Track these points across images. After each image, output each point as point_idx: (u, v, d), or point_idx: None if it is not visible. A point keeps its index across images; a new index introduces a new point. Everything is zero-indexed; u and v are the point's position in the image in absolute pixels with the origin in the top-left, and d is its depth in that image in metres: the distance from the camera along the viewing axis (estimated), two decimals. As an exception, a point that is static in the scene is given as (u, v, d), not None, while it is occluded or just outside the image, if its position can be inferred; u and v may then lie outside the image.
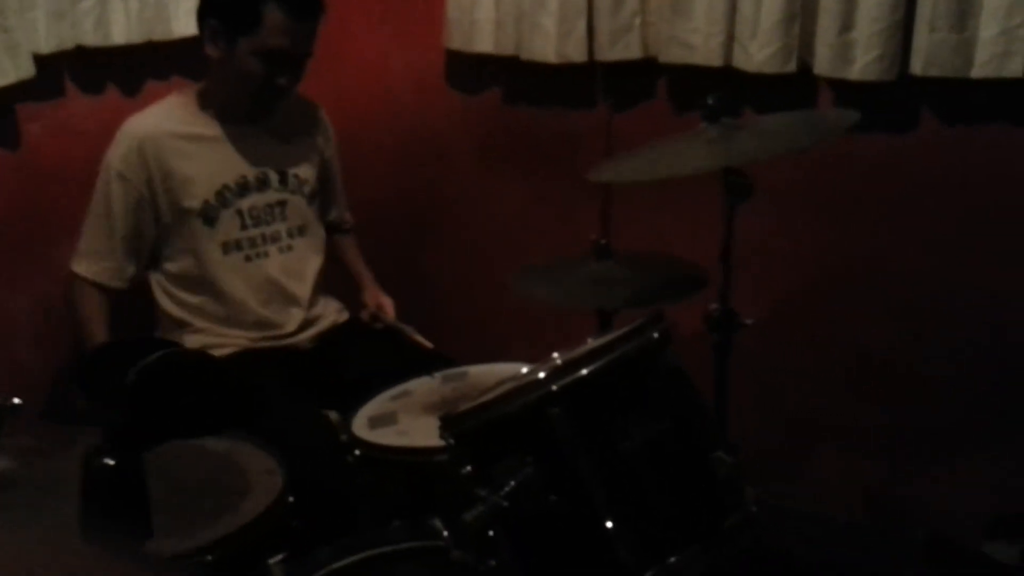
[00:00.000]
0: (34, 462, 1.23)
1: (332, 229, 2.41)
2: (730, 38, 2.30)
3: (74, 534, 0.94)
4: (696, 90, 1.93)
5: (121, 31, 2.19)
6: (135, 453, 0.90)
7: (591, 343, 1.48)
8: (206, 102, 2.11)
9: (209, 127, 2.11)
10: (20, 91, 2.04)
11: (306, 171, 2.24)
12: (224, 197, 2.11)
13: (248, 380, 1.99)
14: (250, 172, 2.15)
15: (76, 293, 2.11)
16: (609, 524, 1.35)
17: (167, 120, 2.08)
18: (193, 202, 2.08)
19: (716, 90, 1.80)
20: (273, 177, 2.18)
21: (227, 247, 2.13)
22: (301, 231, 2.23)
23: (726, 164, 1.69)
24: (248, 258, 2.15)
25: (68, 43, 2.12)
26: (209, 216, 2.10)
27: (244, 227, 2.14)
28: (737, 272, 1.80)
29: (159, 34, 2.24)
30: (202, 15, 2.07)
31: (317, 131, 2.31)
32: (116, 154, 2.05)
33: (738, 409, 1.87)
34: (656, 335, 1.46)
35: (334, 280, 2.35)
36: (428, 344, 2.19)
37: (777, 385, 2.44)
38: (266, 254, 2.17)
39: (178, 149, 2.07)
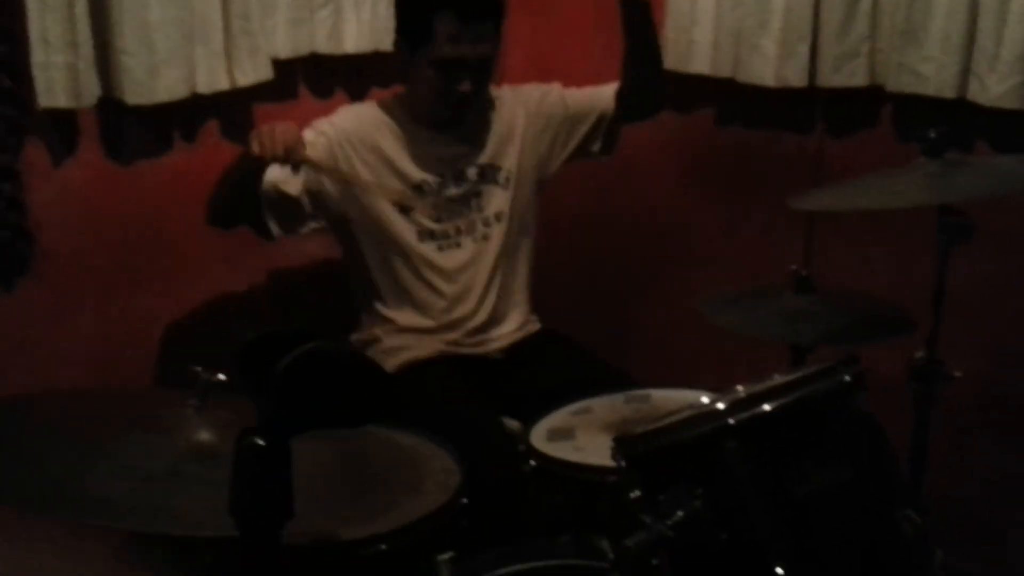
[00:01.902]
0: (232, 436, 1.33)
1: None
2: (965, 69, 2.15)
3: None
4: (923, 122, 1.82)
5: (352, 40, 2.33)
6: (283, 436, 0.96)
7: (777, 379, 1.43)
8: (405, 107, 2.19)
9: (409, 128, 2.18)
10: (258, 92, 2.20)
11: (499, 159, 2.24)
12: (422, 190, 2.17)
13: (433, 385, 2.06)
14: (447, 171, 2.20)
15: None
16: (779, 571, 1.30)
17: (378, 114, 2.18)
18: (394, 187, 2.13)
19: (946, 123, 1.69)
20: (471, 171, 2.22)
21: (421, 235, 2.18)
22: (498, 218, 2.25)
23: (940, 202, 1.58)
24: (441, 248, 2.20)
25: (304, 49, 2.27)
26: (405, 207, 2.14)
27: (439, 220, 2.19)
28: (948, 319, 1.68)
29: (385, 44, 2.36)
30: (395, 31, 2.17)
31: (511, 116, 2.28)
32: (328, 119, 2.13)
33: (937, 466, 1.75)
34: (848, 378, 1.39)
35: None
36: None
37: (984, 445, 2.25)
38: (458, 244, 2.21)
39: (386, 139, 2.16)
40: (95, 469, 1.24)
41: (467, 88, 2.08)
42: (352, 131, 2.13)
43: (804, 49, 2.35)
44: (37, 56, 1.84)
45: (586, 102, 2.32)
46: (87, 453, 1.27)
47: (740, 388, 1.42)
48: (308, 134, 2.08)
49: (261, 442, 0.96)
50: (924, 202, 1.58)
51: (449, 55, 2.04)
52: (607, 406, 2.02)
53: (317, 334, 0.97)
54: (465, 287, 2.23)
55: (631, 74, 2.24)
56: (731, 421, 1.33)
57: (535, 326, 2.35)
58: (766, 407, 1.35)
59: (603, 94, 2.32)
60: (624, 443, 1.44)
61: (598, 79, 2.77)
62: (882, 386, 1.45)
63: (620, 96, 2.29)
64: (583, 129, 2.32)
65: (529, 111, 2.30)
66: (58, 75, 1.86)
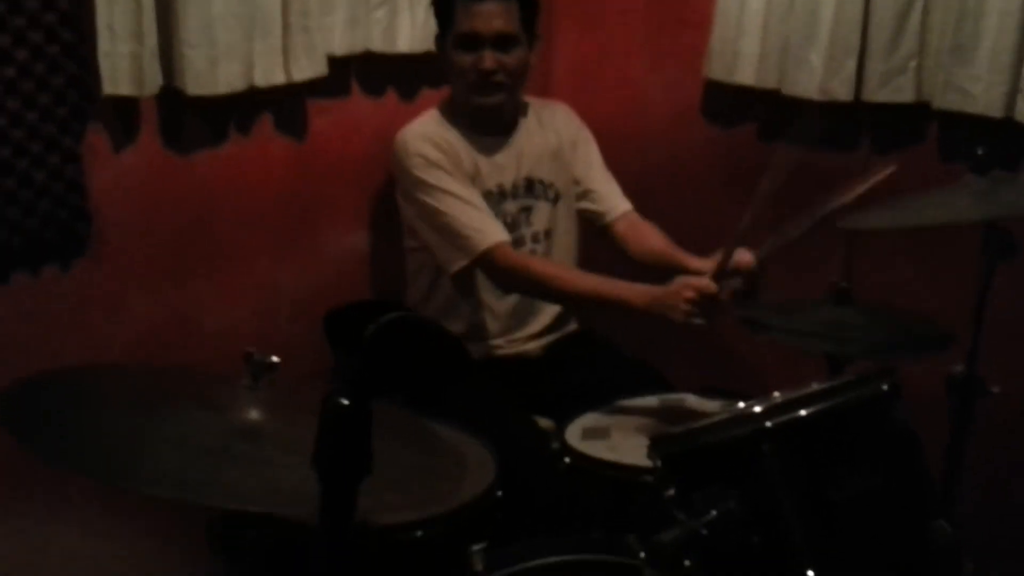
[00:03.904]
0: (281, 417, 1.37)
1: (624, 224, 2.33)
2: (1014, 89, 2.16)
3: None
4: (969, 140, 1.83)
5: (405, 40, 2.37)
6: (366, 397, 1.02)
7: (815, 386, 1.45)
8: (453, 116, 2.23)
9: (463, 140, 2.22)
10: (312, 88, 2.25)
11: (549, 175, 2.30)
12: (488, 203, 2.20)
13: (469, 383, 2.08)
14: (505, 180, 2.25)
15: (503, 261, 2.10)
16: (811, 574, 1.31)
17: (435, 129, 2.21)
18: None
19: (992, 142, 1.70)
20: (520, 184, 2.27)
21: None
22: (547, 235, 2.29)
23: (987, 217, 1.59)
24: None
25: (358, 47, 2.32)
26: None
27: None
28: (989, 335, 1.68)
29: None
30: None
31: (561, 132, 2.34)
32: (416, 157, 2.14)
33: (973, 482, 1.75)
34: (885, 388, 1.41)
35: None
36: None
37: (1021, 461, 2.25)
38: None
39: (457, 145, 2.19)
40: (149, 440, 1.28)
41: (488, 64, 2.13)
42: (442, 139, 2.18)
43: (851, 63, 2.36)
44: (103, 45, 1.90)
45: (599, 194, 2.34)
46: (141, 424, 1.31)
47: (777, 394, 1.44)
48: (414, 153, 2.14)
49: (345, 402, 1.01)
50: (970, 219, 1.59)
51: (466, 29, 2.13)
52: (642, 407, 2.05)
53: (399, 306, 1.03)
54: (516, 301, 2.25)
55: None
56: (768, 424, 1.35)
57: (573, 327, 2.38)
58: (802, 412, 1.37)
59: (613, 201, 2.34)
60: (660, 443, 1.46)
61: (643, 88, 2.81)
62: (920, 400, 1.46)
63: (620, 235, 2.32)
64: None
65: (580, 138, 2.36)
66: (122, 64, 1.92)
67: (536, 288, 2.14)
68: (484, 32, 2.12)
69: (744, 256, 2.01)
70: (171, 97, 2.02)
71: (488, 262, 2.11)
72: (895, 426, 1.40)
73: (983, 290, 1.66)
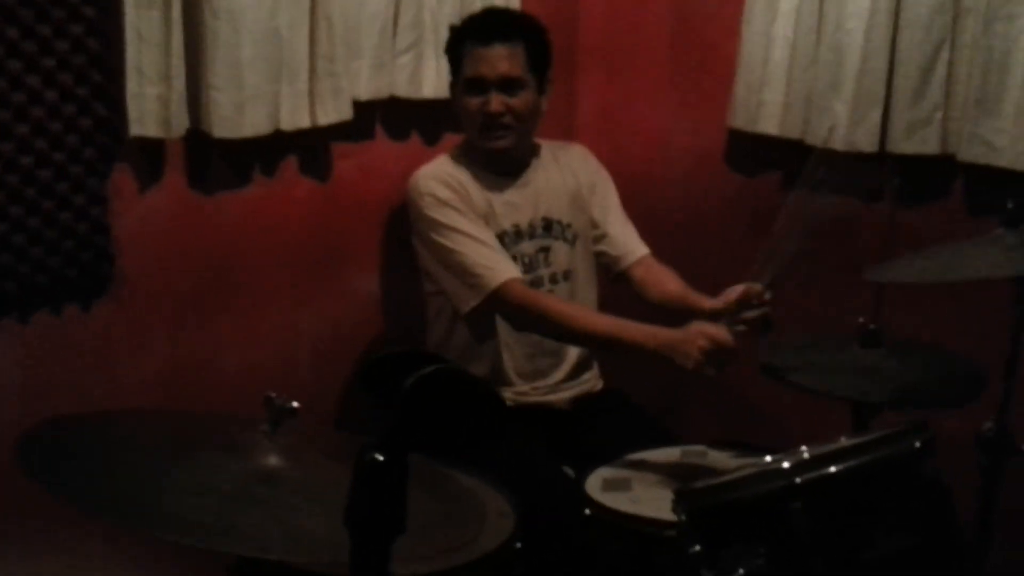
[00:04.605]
0: (301, 463, 1.35)
1: (641, 269, 2.32)
2: (1041, 141, 2.15)
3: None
4: (996, 194, 1.82)
5: (431, 85, 2.38)
6: (402, 453, 0.99)
7: (844, 441, 1.42)
8: (465, 158, 2.25)
9: (475, 180, 2.22)
10: (337, 131, 2.26)
11: (567, 216, 2.29)
12: (504, 243, 2.21)
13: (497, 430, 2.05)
14: (521, 220, 2.25)
15: (515, 298, 2.09)
16: (840, 635, 1.28)
17: (446, 170, 2.22)
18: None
19: (1019, 195, 1.69)
20: (537, 224, 2.27)
21: None
22: (566, 276, 2.28)
23: (1021, 273, 1.57)
24: None
25: (384, 92, 2.33)
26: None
27: None
28: (1020, 391, 1.65)
29: (462, 91, 2.41)
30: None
31: (579, 173, 2.35)
32: (427, 196, 2.16)
33: (1003, 544, 1.71)
34: (919, 444, 1.38)
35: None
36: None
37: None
38: None
39: (470, 187, 2.20)
40: (168, 484, 1.27)
41: (494, 107, 2.15)
42: (454, 179, 2.19)
43: (876, 114, 2.35)
44: (132, 87, 1.91)
45: (616, 239, 2.34)
46: (161, 468, 1.30)
47: (804, 448, 1.41)
48: (426, 193, 2.16)
49: (380, 457, 0.98)
50: (1003, 275, 1.57)
51: (473, 74, 2.16)
52: (663, 460, 2.01)
53: (439, 357, 1.00)
54: (535, 343, 2.24)
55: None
56: (797, 480, 1.32)
57: (599, 383, 2.35)
58: (832, 468, 1.34)
59: (630, 246, 2.34)
60: (685, 497, 1.43)
61: (666, 135, 2.81)
62: (948, 453, 1.43)
63: (637, 279, 2.31)
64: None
65: (598, 180, 2.36)
66: (150, 106, 1.93)
67: (548, 326, 2.12)
68: (490, 76, 2.15)
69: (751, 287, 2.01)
70: (197, 139, 2.03)
71: (500, 300, 2.10)
72: (928, 484, 1.37)
73: (1014, 344, 1.63)
